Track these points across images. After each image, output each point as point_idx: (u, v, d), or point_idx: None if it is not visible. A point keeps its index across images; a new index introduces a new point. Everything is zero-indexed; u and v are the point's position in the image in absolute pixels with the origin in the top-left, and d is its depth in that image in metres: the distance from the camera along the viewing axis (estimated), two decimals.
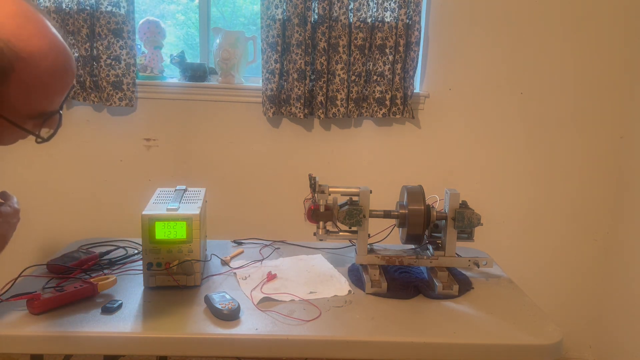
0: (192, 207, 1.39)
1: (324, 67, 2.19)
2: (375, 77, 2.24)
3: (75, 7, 2.14)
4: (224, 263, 1.57)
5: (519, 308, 1.35)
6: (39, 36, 0.83)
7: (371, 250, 1.51)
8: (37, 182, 2.34)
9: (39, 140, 0.93)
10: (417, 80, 2.36)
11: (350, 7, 2.18)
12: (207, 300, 1.28)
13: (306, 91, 2.22)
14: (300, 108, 2.22)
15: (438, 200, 1.50)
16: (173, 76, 2.40)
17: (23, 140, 2.36)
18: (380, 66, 2.22)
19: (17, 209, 1.13)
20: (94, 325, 1.18)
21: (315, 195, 1.43)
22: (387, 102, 2.25)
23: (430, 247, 1.51)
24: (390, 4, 2.18)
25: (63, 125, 2.20)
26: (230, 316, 1.22)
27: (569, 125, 2.39)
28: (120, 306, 1.26)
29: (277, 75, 2.21)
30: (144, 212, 1.34)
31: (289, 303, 1.32)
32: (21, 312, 1.21)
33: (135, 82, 2.25)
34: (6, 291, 1.30)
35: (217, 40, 2.27)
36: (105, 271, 1.46)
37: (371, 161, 2.39)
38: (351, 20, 2.19)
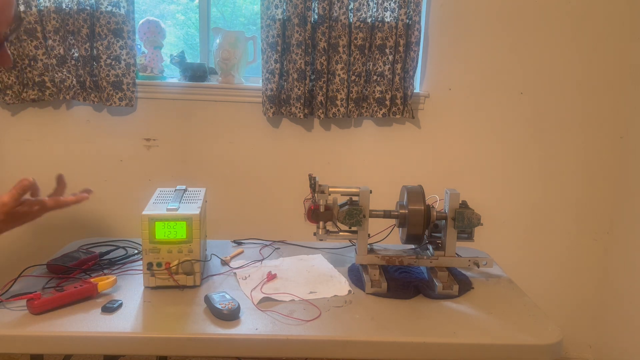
0: (192, 207, 1.39)
1: (324, 67, 2.19)
2: (375, 77, 2.24)
3: (75, 7, 2.14)
4: (224, 263, 1.57)
5: (519, 308, 1.35)
6: None
7: (371, 250, 1.51)
8: (37, 182, 2.33)
9: None
10: (417, 80, 2.36)
11: (350, 7, 2.18)
12: (207, 300, 1.28)
13: (306, 91, 2.22)
14: (300, 108, 2.22)
15: (438, 200, 1.50)
16: (173, 76, 2.40)
17: (22, 139, 2.37)
18: (380, 66, 2.22)
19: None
20: (94, 325, 1.18)
21: (315, 195, 1.43)
22: (387, 102, 2.25)
23: (430, 247, 1.51)
24: (390, 4, 2.18)
25: (63, 125, 2.22)
26: (230, 316, 1.22)
27: (569, 125, 2.39)
28: (120, 306, 1.26)
29: (277, 75, 2.21)
30: (144, 212, 1.34)
31: (289, 303, 1.32)
32: (21, 312, 1.21)
33: (135, 82, 2.25)
34: (6, 291, 1.30)
35: (217, 40, 2.27)
36: (105, 271, 1.46)
37: (371, 161, 2.39)
38: (351, 20, 2.19)
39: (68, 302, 1.25)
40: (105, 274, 1.42)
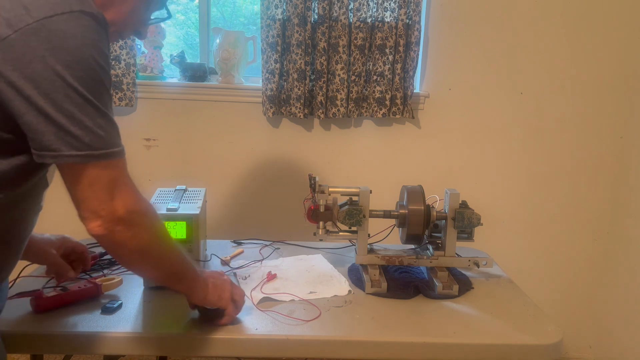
0: (192, 207, 1.39)
1: (324, 67, 2.19)
2: (375, 77, 2.24)
3: None
4: (224, 263, 1.57)
5: (519, 308, 1.35)
6: None
7: (371, 250, 1.51)
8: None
9: None
10: (417, 80, 2.36)
11: (350, 7, 2.18)
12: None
13: (306, 91, 2.22)
14: (300, 108, 2.22)
15: (438, 200, 1.50)
16: (173, 76, 2.40)
17: None
18: (380, 66, 2.22)
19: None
20: (94, 325, 1.18)
21: (315, 195, 1.43)
22: (387, 102, 2.25)
23: (430, 247, 1.51)
24: (390, 4, 2.18)
25: None
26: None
27: (569, 125, 2.39)
28: (120, 306, 1.26)
29: (277, 75, 2.21)
30: None
31: (289, 303, 1.32)
32: (21, 312, 1.21)
33: (135, 82, 2.25)
34: None
35: (217, 40, 2.27)
36: (105, 271, 1.46)
37: (371, 161, 2.39)
38: (351, 20, 2.19)
39: (72, 301, 1.25)
40: (105, 274, 1.42)
